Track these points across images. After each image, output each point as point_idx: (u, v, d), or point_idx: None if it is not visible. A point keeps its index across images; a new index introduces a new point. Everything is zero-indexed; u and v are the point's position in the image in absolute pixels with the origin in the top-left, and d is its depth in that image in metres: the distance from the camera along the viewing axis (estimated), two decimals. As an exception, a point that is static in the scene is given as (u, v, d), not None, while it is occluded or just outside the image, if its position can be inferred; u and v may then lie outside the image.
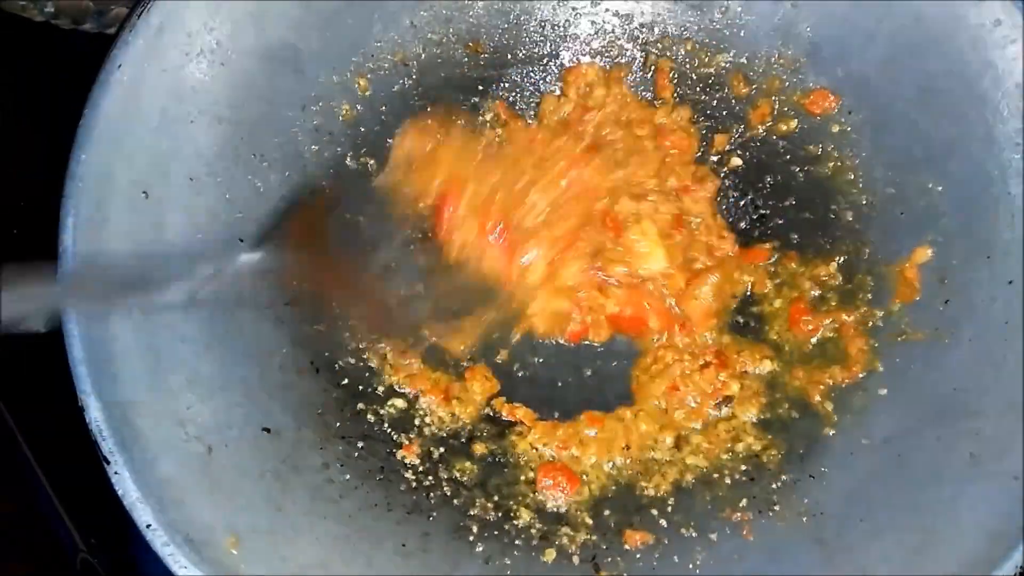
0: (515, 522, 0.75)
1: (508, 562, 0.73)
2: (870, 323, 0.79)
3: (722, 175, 0.86)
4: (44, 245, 0.67)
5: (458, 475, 0.77)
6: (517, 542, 0.74)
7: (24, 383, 0.83)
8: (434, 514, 0.75)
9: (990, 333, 0.72)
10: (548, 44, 0.89)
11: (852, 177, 0.83)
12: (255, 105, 0.79)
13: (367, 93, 0.85)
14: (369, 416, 0.79)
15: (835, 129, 0.84)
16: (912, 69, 0.78)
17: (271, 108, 0.80)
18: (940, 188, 0.77)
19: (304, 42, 0.81)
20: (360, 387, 0.80)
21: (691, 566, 0.72)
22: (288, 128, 0.82)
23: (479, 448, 0.78)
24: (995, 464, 0.67)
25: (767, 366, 0.79)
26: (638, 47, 0.89)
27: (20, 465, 0.81)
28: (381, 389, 0.80)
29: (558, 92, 0.88)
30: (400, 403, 0.80)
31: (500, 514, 0.75)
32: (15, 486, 0.82)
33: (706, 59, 0.87)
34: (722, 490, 0.76)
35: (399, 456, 0.77)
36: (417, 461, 0.77)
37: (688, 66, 0.88)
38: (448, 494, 0.76)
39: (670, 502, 0.76)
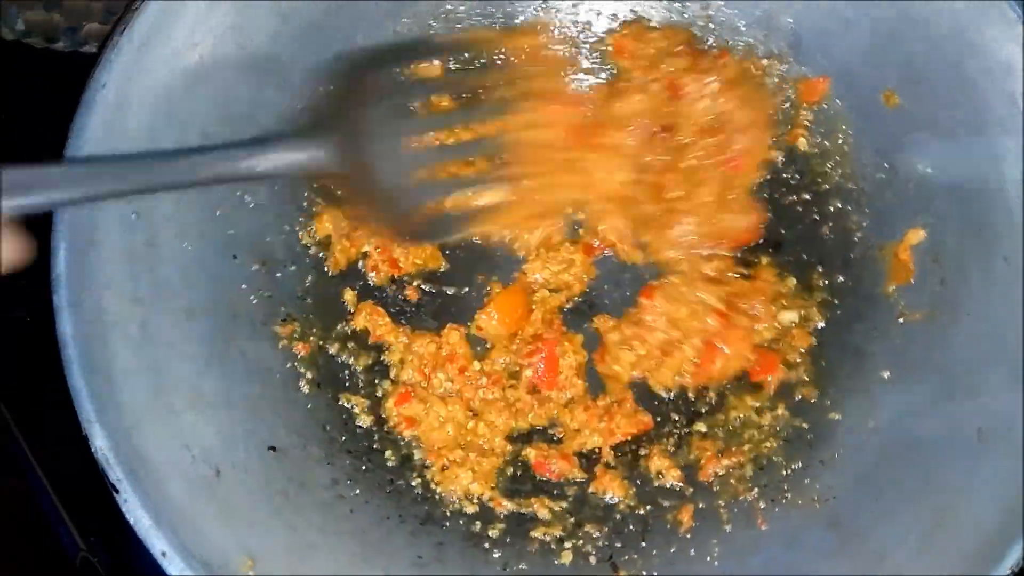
0: (531, 523, 0.75)
1: (525, 567, 0.73)
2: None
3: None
4: (43, 245, 0.65)
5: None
6: (533, 546, 0.73)
7: (23, 381, 0.82)
8: (447, 523, 0.74)
9: (988, 310, 0.73)
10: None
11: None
12: (241, 119, 0.78)
13: (352, 103, 0.84)
14: (373, 428, 0.78)
15: (822, 118, 0.84)
16: (895, 54, 0.79)
17: (258, 122, 0.79)
18: (930, 170, 0.78)
19: (287, 53, 0.80)
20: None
21: (708, 558, 0.72)
22: (276, 141, 0.80)
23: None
24: (1003, 439, 0.67)
25: None
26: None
27: (20, 464, 0.80)
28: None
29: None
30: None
31: (515, 517, 0.75)
32: (15, 485, 0.81)
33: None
34: (734, 479, 0.76)
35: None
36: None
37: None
38: (459, 501, 0.76)
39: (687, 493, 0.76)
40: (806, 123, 0.84)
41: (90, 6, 0.93)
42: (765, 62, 0.85)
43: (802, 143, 0.84)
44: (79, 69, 0.77)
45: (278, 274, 0.79)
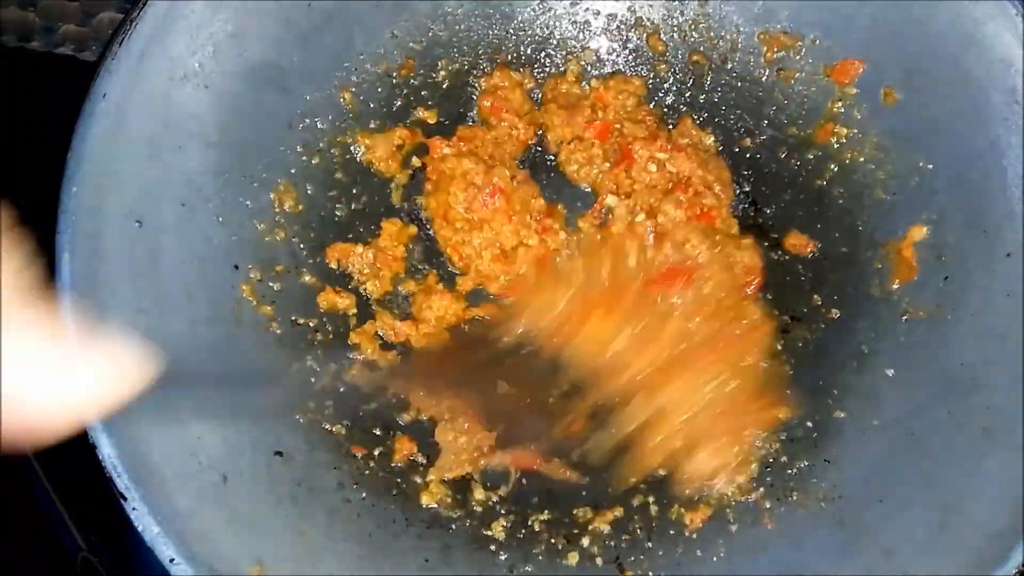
0: (535, 525, 0.75)
1: (531, 569, 0.73)
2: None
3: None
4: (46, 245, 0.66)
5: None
6: (539, 547, 0.74)
7: None
8: (454, 526, 0.74)
9: (992, 307, 0.72)
10: (530, 47, 0.89)
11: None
12: (242, 126, 0.78)
13: (352, 107, 0.85)
14: (379, 431, 0.78)
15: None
16: (894, 50, 0.79)
17: (258, 128, 0.79)
18: (931, 166, 0.78)
19: (287, 60, 0.80)
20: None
21: (715, 559, 0.72)
22: (277, 147, 0.81)
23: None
24: (1009, 436, 0.67)
25: None
26: (620, 45, 0.89)
27: (21, 464, 0.81)
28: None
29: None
30: (408, 416, 0.79)
31: (519, 518, 0.75)
32: (16, 485, 0.81)
33: (689, 52, 0.87)
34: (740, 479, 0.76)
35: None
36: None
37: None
38: (464, 503, 0.76)
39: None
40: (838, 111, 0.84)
41: (66, 6, 0.93)
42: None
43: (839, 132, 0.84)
44: (54, 73, 0.78)
45: (282, 280, 0.79)
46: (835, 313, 0.81)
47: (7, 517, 0.82)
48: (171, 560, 0.61)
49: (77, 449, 0.63)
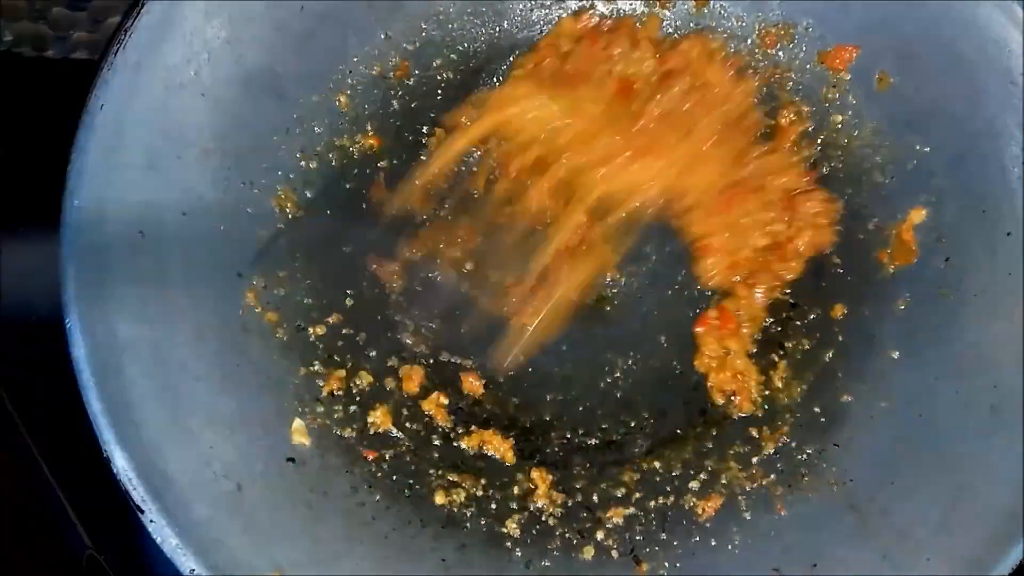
0: (548, 520, 0.75)
1: (548, 564, 0.73)
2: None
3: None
4: (47, 242, 0.67)
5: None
6: (554, 542, 0.74)
7: (29, 379, 0.82)
8: (468, 525, 0.74)
9: (995, 286, 0.73)
10: (524, 45, 0.89)
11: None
12: (240, 133, 0.78)
13: (348, 110, 0.84)
14: (391, 433, 0.78)
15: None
16: (889, 35, 0.79)
17: (256, 134, 0.79)
18: (928, 149, 0.78)
19: (282, 65, 0.80)
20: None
21: (729, 547, 0.73)
22: (275, 153, 0.80)
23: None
24: (1018, 414, 0.68)
25: None
26: (617, 38, 0.89)
27: (26, 462, 0.80)
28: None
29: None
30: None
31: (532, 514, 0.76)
32: (21, 483, 0.81)
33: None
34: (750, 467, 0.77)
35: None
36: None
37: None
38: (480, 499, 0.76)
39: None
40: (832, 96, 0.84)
41: (74, 16, 0.93)
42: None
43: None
44: (72, 76, 0.77)
45: (286, 286, 0.79)
46: (837, 298, 0.81)
47: (14, 516, 0.82)
48: (191, 571, 0.61)
49: (83, 448, 0.63)
